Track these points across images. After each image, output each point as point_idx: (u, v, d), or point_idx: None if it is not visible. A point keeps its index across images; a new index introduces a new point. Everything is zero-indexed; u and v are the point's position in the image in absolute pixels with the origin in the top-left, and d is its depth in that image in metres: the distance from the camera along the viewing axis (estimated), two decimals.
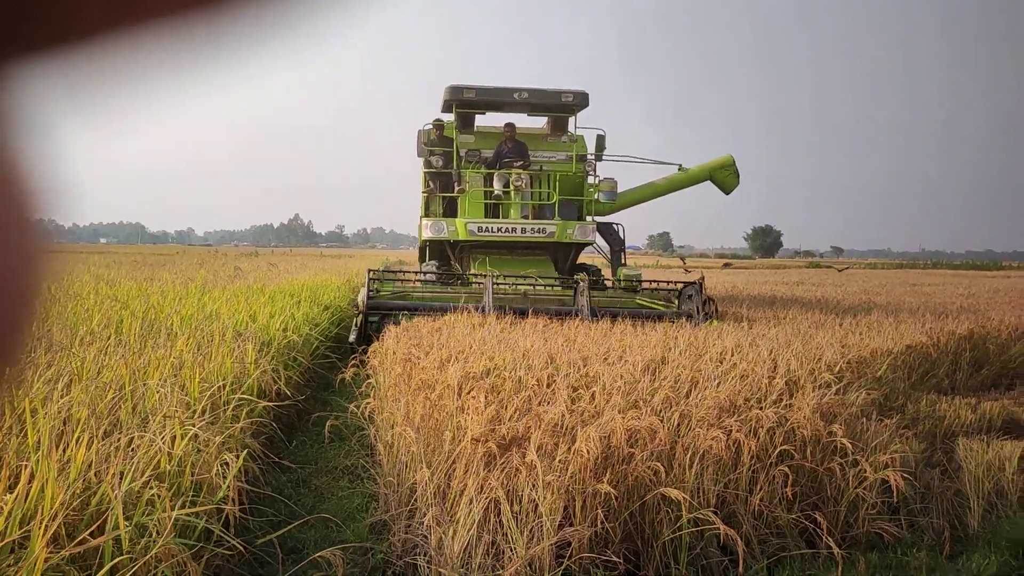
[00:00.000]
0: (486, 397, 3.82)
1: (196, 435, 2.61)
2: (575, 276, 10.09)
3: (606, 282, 10.80)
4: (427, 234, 10.24)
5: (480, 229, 9.86)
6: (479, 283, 8.81)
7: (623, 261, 11.85)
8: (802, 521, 3.31)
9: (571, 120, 11.36)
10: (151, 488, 1.97)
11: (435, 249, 10.88)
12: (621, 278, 10.70)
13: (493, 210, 10.50)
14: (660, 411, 3.63)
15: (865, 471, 3.39)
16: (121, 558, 1.70)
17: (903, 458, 3.99)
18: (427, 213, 10.76)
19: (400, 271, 10.69)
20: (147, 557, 1.68)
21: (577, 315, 7.80)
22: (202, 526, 2.10)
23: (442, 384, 4.15)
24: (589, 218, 10.92)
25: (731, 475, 3.36)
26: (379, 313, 7.69)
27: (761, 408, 3.65)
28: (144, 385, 2.87)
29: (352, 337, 7.49)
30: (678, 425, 3.53)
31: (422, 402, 3.93)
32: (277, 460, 3.80)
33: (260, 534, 2.81)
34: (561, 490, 3.06)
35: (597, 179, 11.28)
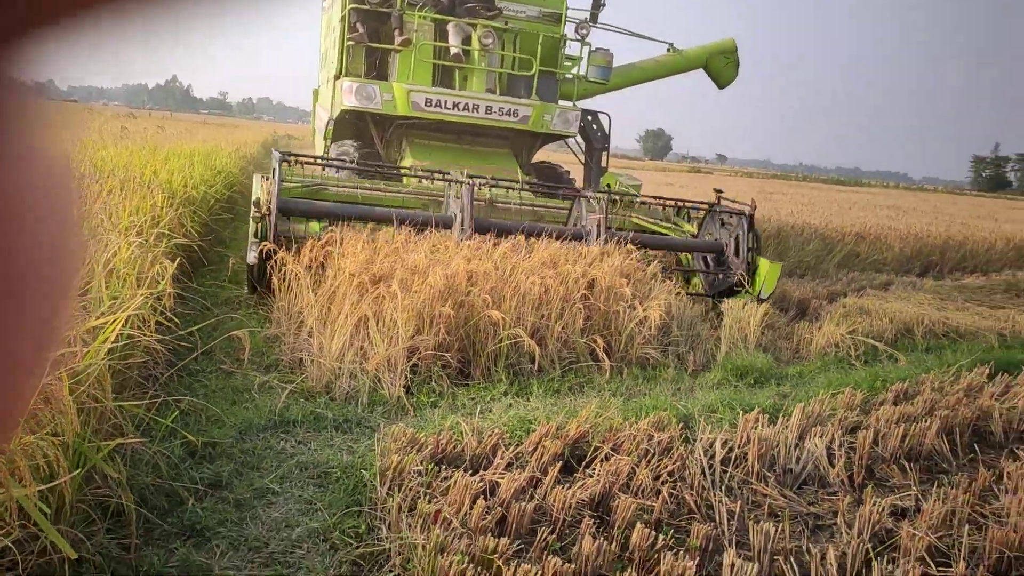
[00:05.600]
0: (363, 245, 4.78)
1: (133, 250, 3.45)
2: (589, 187, 7.10)
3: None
4: (349, 101, 7.07)
5: (428, 102, 7.00)
6: (425, 180, 6.11)
7: (605, 165, 9.05)
8: (591, 344, 4.55)
9: None
10: (116, 269, 2.83)
11: (351, 126, 7.86)
12: (613, 189, 7.40)
13: (443, 77, 7.53)
14: (497, 263, 4.71)
15: (639, 312, 4.65)
16: (103, 308, 2.60)
17: (682, 312, 5.34)
18: (345, 71, 7.45)
19: (320, 159, 6.33)
20: (127, 312, 2.58)
21: (582, 240, 5.58)
22: (150, 303, 3.00)
23: (327, 235, 5.07)
24: (568, 103, 8.11)
25: (544, 310, 4.53)
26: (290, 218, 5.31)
27: (573, 265, 4.82)
28: (86, 212, 3.65)
29: (251, 256, 4.92)
30: (509, 273, 4.64)
31: (310, 247, 4.85)
32: (187, 285, 4.65)
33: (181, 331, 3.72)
34: (415, 311, 4.13)
35: (588, 49, 8.37)
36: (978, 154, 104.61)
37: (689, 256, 6.60)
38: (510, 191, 6.45)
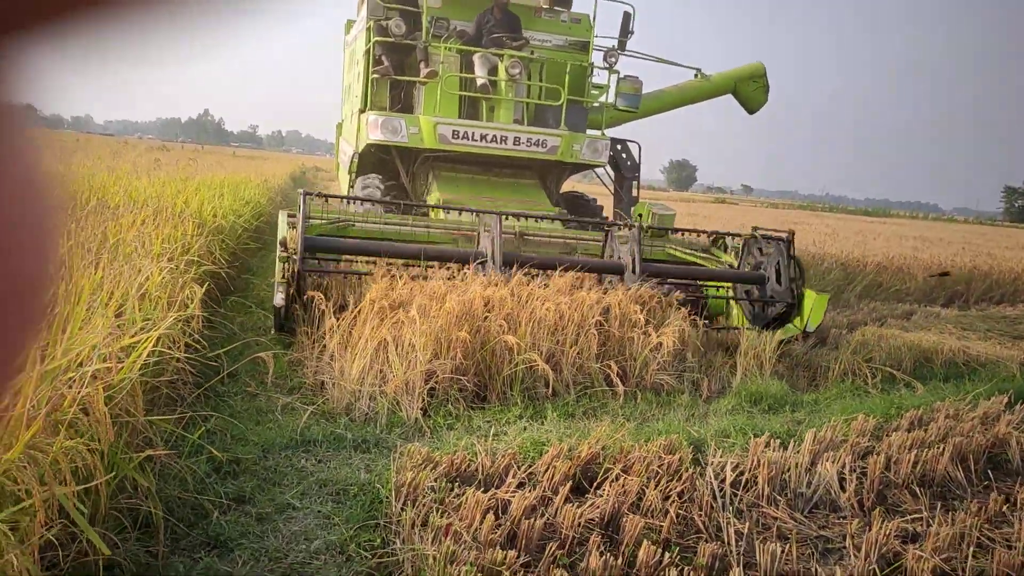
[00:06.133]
0: (383, 274, 4.93)
1: (164, 275, 3.63)
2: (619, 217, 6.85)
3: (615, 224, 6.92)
4: (375, 135, 7.06)
5: (455, 135, 6.98)
6: (452, 213, 6.23)
7: (636, 194, 9.03)
8: (605, 370, 4.63)
9: None
10: (148, 292, 3.00)
11: (376, 159, 7.83)
12: (645, 219, 7.28)
13: (470, 108, 7.56)
14: (513, 289, 4.83)
15: (652, 338, 4.73)
16: (136, 328, 2.75)
17: (698, 339, 5.41)
18: (370, 105, 7.49)
19: (346, 197, 6.52)
20: (158, 332, 2.73)
21: (620, 274, 5.47)
22: (180, 326, 3.16)
23: (348, 262, 5.23)
24: (597, 131, 8.16)
25: (559, 335, 4.63)
26: (318, 259, 5.17)
27: (588, 292, 4.92)
28: (121, 239, 3.85)
29: (278, 299, 4.78)
30: (525, 299, 4.75)
31: (332, 275, 5.01)
32: (215, 310, 4.83)
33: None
34: (432, 336, 4.25)
35: (617, 76, 8.32)
36: (1010, 184, 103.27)
37: (727, 289, 6.33)
38: (541, 223, 6.31)
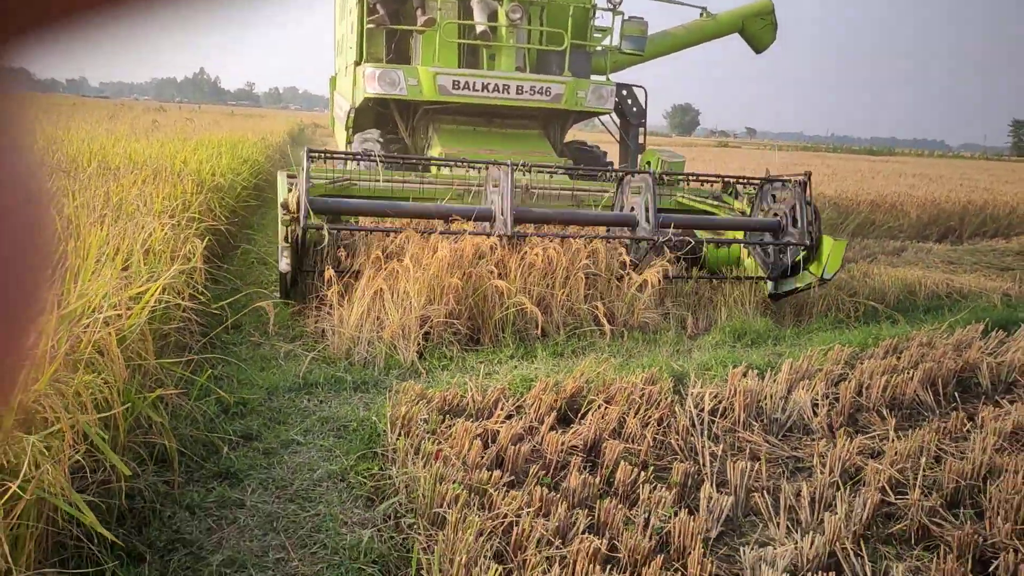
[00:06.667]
0: (378, 223, 5.09)
1: (166, 231, 3.81)
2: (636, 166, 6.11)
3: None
4: (372, 89, 6.82)
5: (456, 85, 6.77)
6: (457, 168, 5.65)
7: (643, 141, 8.75)
8: (593, 311, 4.83)
9: None
10: (152, 247, 3.20)
11: (373, 114, 7.69)
12: (654, 167, 6.86)
13: (469, 57, 7.32)
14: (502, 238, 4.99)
15: (636, 279, 4.91)
16: (142, 279, 2.95)
17: (684, 279, 5.58)
18: (366, 57, 7.24)
19: (350, 155, 6.43)
20: (160, 282, 2.93)
21: (632, 227, 5.23)
22: (183, 278, 3.36)
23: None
24: (601, 77, 7.74)
25: (548, 279, 4.82)
26: (324, 224, 4.63)
27: (576, 238, 5.09)
28: (124, 198, 4.02)
29: (283, 264, 4.58)
30: (515, 246, 4.92)
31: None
32: (218, 265, 5.03)
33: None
34: (426, 283, 4.44)
35: (621, 18, 7.89)
36: (1018, 118, 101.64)
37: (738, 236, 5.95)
38: (550, 175, 5.98)
